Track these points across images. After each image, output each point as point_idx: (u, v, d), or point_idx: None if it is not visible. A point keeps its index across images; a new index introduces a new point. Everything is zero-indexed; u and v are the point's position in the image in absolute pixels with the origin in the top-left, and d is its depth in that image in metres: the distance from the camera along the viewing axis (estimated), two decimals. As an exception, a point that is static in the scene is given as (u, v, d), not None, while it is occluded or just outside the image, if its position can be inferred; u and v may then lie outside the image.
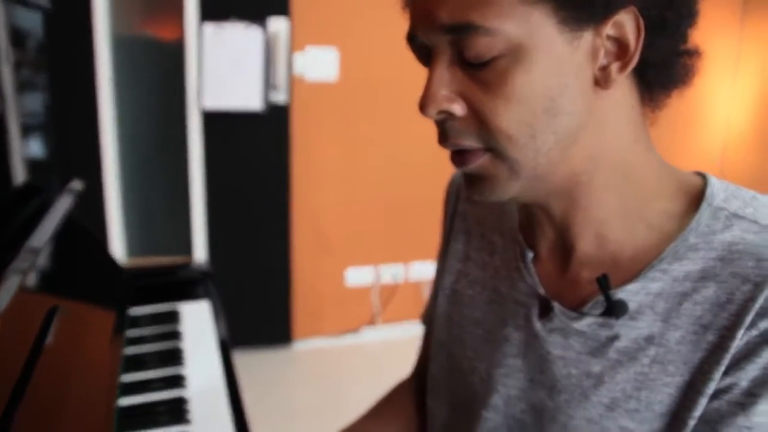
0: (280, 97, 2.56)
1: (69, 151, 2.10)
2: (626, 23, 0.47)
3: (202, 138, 2.56)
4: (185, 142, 2.56)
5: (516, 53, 0.46)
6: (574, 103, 0.48)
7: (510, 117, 0.48)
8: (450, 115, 0.50)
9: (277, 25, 2.49)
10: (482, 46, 0.46)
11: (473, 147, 0.50)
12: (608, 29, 0.47)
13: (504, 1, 0.45)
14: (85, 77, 2.38)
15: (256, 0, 2.47)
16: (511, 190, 0.52)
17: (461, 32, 0.46)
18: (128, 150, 2.63)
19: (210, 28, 2.43)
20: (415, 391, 0.82)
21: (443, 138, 0.51)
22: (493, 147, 0.49)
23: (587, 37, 0.47)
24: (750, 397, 0.48)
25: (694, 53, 0.52)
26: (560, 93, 0.47)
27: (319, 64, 2.61)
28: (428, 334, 0.80)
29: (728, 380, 0.49)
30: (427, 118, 0.50)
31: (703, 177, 0.56)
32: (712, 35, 3.11)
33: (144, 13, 2.65)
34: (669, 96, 0.54)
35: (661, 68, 0.51)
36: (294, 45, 2.55)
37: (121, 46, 2.51)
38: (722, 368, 0.49)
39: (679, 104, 0.55)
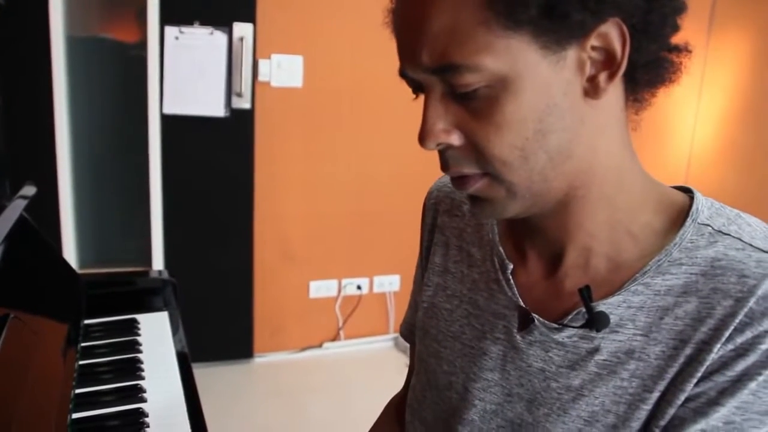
0: (243, 105, 2.52)
1: (21, 154, 2.02)
2: (611, 32, 0.46)
3: (162, 143, 2.49)
4: (144, 147, 2.48)
5: (502, 83, 0.47)
6: (563, 120, 0.49)
7: (502, 143, 0.48)
8: (449, 146, 0.51)
9: (243, 31, 2.46)
10: (467, 82, 0.47)
11: (473, 173, 0.51)
12: (593, 41, 0.47)
13: (480, 36, 0.45)
14: (38, 78, 2.29)
15: (221, 5, 2.43)
16: (511, 209, 0.53)
17: (444, 72, 0.47)
18: (83, 154, 2.53)
19: (172, 31, 2.38)
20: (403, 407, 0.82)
21: (445, 167, 0.53)
22: (489, 172, 0.51)
23: (572, 53, 0.47)
24: (713, 405, 0.48)
25: (683, 49, 0.52)
26: (549, 113, 0.48)
27: (283, 71, 2.59)
28: (413, 348, 0.79)
29: (697, 390, 0.49)
30: (427, 150, 0.52)
31: (687, 192, 0.57)
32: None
33: (103, 15, 2.57)
34: (654, 95, 0.54)
35: (650, 68, 0.51)
36: (259, 52, 2.52)
37: (77, 47, 2.42)
38: (695, 380, 0.49)
39: (645, 119, 0.56)
